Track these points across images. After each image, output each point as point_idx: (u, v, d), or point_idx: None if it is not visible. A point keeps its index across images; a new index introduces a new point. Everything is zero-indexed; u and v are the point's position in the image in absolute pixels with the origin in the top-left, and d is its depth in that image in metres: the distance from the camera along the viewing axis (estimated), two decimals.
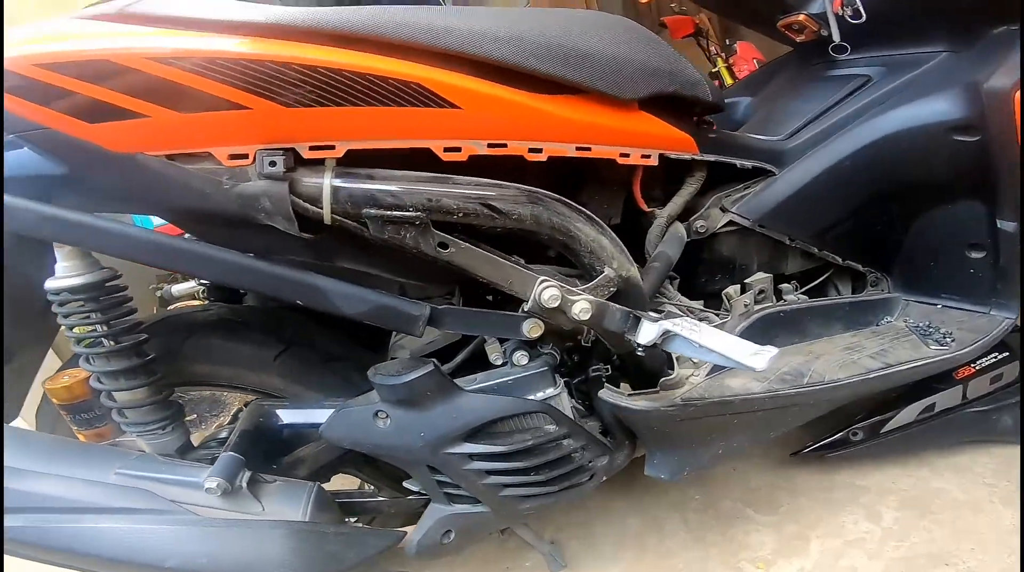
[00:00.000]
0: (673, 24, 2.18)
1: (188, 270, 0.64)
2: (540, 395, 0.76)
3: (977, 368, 1.04)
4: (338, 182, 0.59)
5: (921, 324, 0.95)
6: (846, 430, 1.05)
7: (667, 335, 0.64)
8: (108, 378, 0.72)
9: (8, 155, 0.61)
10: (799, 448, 1.09)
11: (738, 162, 0.84)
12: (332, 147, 0.59)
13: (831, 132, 0.89)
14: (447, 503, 0.79)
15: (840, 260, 0.95)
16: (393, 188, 0.59)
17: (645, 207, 0.82)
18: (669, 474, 0.83)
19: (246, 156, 0.58)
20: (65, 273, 0.67)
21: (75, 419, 0.79)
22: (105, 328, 0.69)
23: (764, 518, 1.04)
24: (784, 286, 0.94)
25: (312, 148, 0.58)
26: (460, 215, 0.61)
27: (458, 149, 0.62)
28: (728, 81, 2.14)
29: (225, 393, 0.88)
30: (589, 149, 0.69)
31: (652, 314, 0.66)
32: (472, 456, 0.72)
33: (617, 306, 0.68)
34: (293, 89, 0.56)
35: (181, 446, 0.80)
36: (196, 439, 0.82)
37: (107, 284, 0.68)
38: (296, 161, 0.59)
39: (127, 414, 0.74)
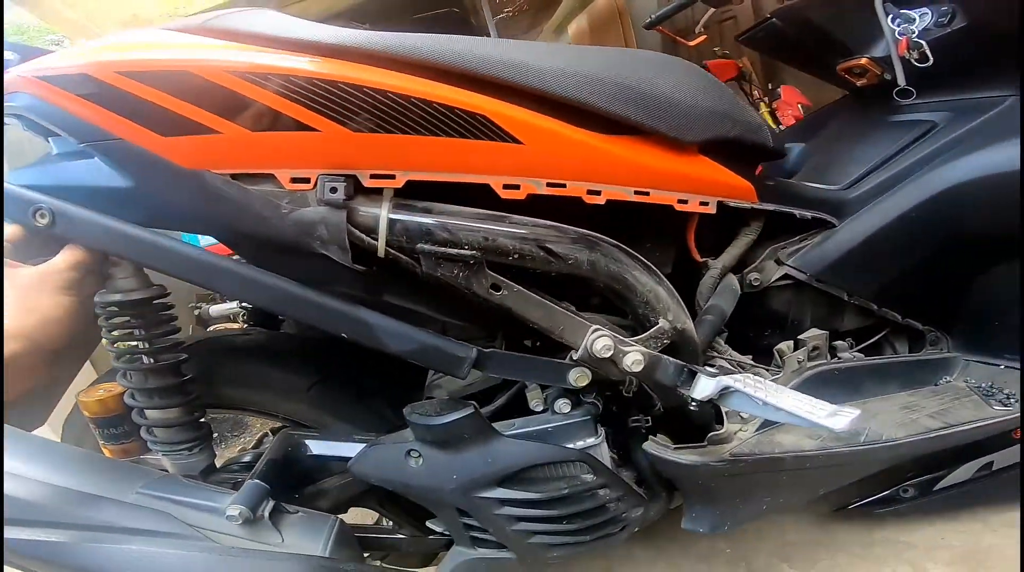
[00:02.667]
0: (716, 68, 2.15)
1: (241, 296, 0.62)
2: (580, 444, 0.72)
3: None
4: (395, 214, 0.57)
5: (983, 384, 0.89)
6: (896, 487, 0.97)
7: (726, 391, 0.59)
8: (143, 395, 0.70)
9: (77, 165, 0.60)
10: (844, 504, 1.01)
11: (797, 212, 0.79)
12: (392, 177, 0.57)
13: (895, 181, 0.84)
14: (471, 547, 0.76)
15: (900, 318, 0.89)
16: (450, 223, 0.57)
17: (698, 257, 0.78)
18: (709, 528, 0.77)
19: (307, 180, 0.56)
20: (117, 287, 0.66)
21: (104, 433, 0.77)
22: (147, 345, 0.68)
23: None
24: (839, 343, 0.89)
25: (373, 176, 0.56)
26: (516, 257, 0.58)
27: (517, 186, 0.59)
28: (772, 126, 2.09)
29: (252, 417, 0.86)
30: (648, 194, 0.66)
31: (709, 369, 0.61)
32: (504, 501, 0.68)
33: (671, 359, 0.64)
34: (362, 113, 0.54)
35: (206, 468, 0.77)
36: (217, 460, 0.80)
37: (155, 302, 0.67)
38: (355, 189, 0.57)
39: (156, 433, 0.72)
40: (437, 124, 0.55)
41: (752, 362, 0.82)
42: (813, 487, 0.82)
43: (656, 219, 0.74)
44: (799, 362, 0.83)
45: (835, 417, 0.50)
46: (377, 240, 0.56)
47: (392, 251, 0.57)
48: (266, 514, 0.66)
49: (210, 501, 0.66)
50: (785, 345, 0.84)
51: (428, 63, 0.57)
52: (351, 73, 0.54)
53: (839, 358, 0.87)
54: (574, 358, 0.64)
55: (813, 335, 0.85)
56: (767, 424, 0.76)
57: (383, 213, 0.56)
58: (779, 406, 0.53)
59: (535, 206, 0.61)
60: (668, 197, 0.67)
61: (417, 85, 0.55)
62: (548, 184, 0.60)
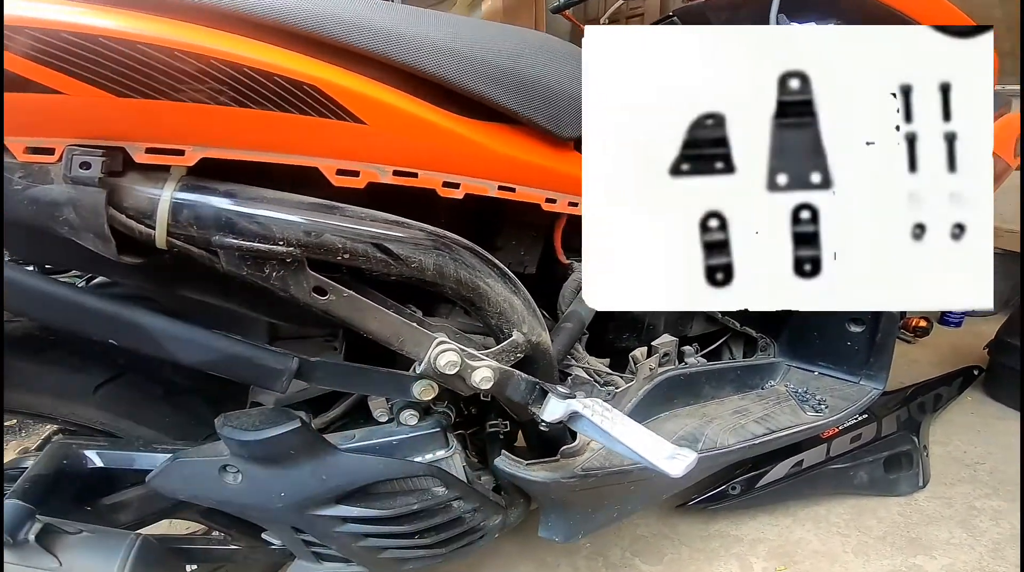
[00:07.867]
0: None
1: None
2: (429, 456, 0.64)
3: (840, 428, 1.06)
4: (182, 196, 0.42)
5: (799, 390, 0.94)
6: (726, 484, 1.04)
7: (574, 416, 0.53)
8: None
9: None
10: (684, 500, 1.06)
11: None
12: (181, 152, 0.41)
13: None
14: (316, 562, 0.65)
15: (738, 325, 0.91)
16: (260, 214, 0.43)
17: (564, 259, 0.71)
18: (564, 537, 0.74)
19: (51, 151, 0.39)
20: None
21: None
22: None
23: (650, 568, 1.00)
24: (686, 349, 0.89)
25: (151, 151, 0.41)
26: (345, 256, 0.46)
27: (355, 173, 0.47)
28: None
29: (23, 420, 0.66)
30: (514, 190, 0.56)
31: (560, 389, 0.55)
32: (346, 519, 0.58)
33: (523, 375, 0.57)
34: (131, 74, 0.38)
35: None
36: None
37: None
38: (127, 165, 0.41)
39: None
40: (247, 94, 0.41)
41: (608, 369, 0.78)
42: (658, 494, 0.82)
43: (522, 218, 0.66)
44: (651, 369, 0.81)
45: (673, 461, 0.46)
46: (154, 228, 0.41)
47: (178, 243, 0.42)
48: (31, 537, 0.50)
49: None
50: (639, 352, 0.81)
51: (242, 16, 0.42)
52: (119, 24, 0.37)
53: (686, 363, 0.87)
54: (418, 371, 0.55)
55: (665, 341, 0.83)
56: None
57: (164, 195, 0.41)
58: (620, 440, 0.48)
59: (382, 200, 0.49)
60: (535, 195, 0.58)
61: (219, 42, 0.40)
62: (395, 172, 0.48)
